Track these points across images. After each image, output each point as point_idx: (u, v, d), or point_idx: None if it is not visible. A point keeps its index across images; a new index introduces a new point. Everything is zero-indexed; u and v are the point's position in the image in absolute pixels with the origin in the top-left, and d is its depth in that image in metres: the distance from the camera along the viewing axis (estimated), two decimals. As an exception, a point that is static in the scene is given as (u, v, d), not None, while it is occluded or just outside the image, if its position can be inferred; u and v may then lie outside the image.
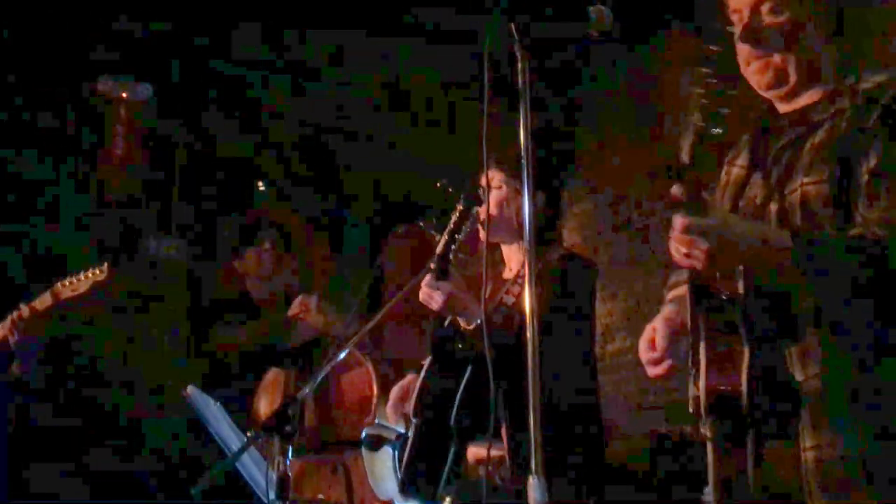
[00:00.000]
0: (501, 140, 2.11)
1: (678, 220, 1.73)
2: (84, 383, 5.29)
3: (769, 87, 1.97)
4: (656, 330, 2.01)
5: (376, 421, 3.73)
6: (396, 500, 3.25)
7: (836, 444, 1.75)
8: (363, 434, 3.68)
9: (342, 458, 3.70)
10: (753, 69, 1.96)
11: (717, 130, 1.77)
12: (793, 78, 1.94)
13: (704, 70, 1.78)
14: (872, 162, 1.79)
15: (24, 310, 3.71)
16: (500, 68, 1.88)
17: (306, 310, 4.03)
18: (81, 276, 3.69)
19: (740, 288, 1.81)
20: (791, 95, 1.97)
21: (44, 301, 3.71)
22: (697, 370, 1.81)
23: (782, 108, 2.01)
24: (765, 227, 1.85)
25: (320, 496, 3.69)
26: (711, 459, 1.80)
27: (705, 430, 1.80)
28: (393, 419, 3.11)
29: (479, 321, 2.63)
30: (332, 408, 3.77)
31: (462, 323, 2.72)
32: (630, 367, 5.85)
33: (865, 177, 1.79)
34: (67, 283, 3.70)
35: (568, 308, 2.77)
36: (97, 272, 3.68)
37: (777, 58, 1.93)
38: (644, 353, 2.01)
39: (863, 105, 1.86)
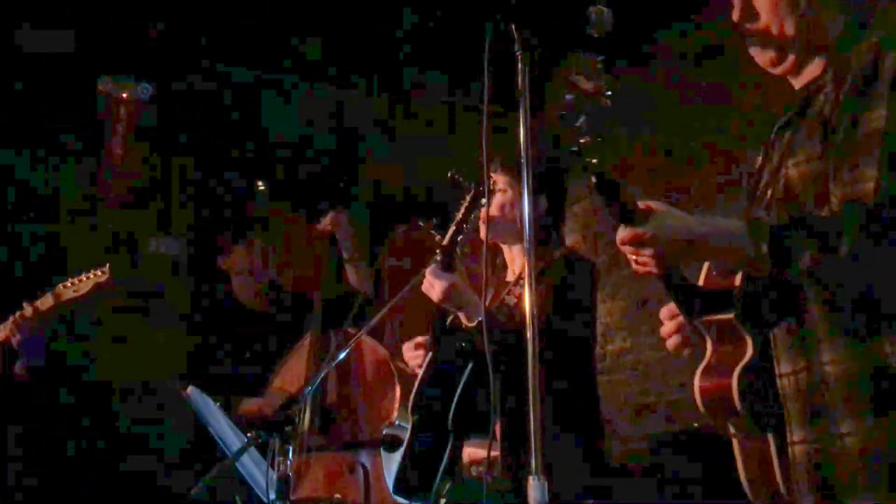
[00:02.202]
0: (508, 144, 2.10)
1: (618, 235, 1.75)
2: (83, 384, 5.29)
3: (773, 64, 1.84)
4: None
5: (396, 422, 3.71)
6: None
7: (830, 436, 1.64)
8: (382, 433, 3.67)
9: (360, 458, 3.67)
10: (757, 50, 1.84)
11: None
12: (793, 49, 1.80)
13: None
14: (873, 126, 1.61)
15: (27, 310, 3.74)
16: (501, 70, 1.88)
17: (337, 224, 4.00)
18: (83, 278, 3.73)
19: (736, 281, 1.76)
20: (798, 70, 1.83)
21: (46, 302, 3.75)
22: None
23: (796, 86, 1.85)
24: (716, 219, 1.75)
25: (337, 496, 3.67)
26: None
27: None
28: (414, 362, 3.01)
29: (480, 318, 2.62)
30: (357, 406, 3.75)
31: (463, 320, 2.72)
32: (630, 367, 5.86)
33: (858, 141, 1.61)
34: (69, 285, 3.73)
35: (569, 307, 2.77)
36: (99, 274, 3.72)
37: (774, 29, 1.79)
38: (666, 316, 1.95)
39: (863, 67, 1.68)
